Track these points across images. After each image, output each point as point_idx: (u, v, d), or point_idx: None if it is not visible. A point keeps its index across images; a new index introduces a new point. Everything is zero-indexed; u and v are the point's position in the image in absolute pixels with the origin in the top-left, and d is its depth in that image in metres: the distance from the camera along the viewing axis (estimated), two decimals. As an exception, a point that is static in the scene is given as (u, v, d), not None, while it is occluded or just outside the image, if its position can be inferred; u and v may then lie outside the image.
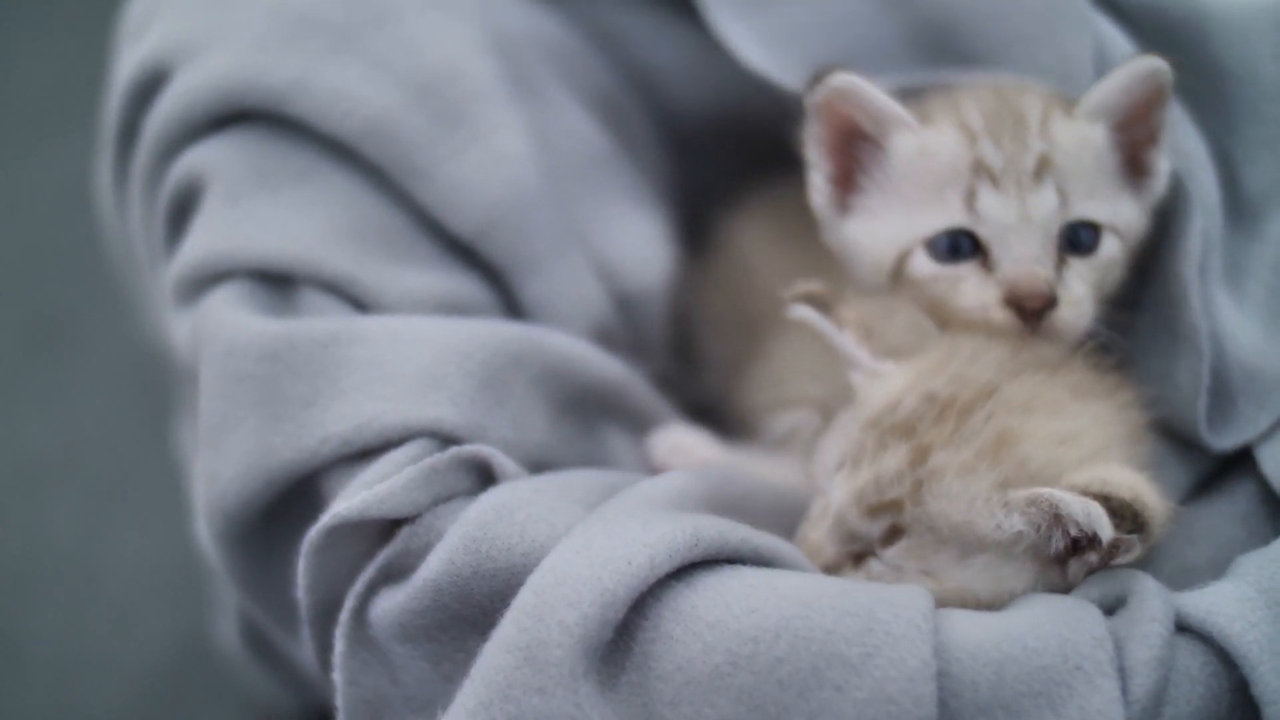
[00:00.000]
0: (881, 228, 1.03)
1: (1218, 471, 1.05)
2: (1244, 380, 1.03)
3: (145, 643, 1.52)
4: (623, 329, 1.17)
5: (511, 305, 1.11)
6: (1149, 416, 0.98)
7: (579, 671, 0.80)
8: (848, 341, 0.98)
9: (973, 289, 1.00)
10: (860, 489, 0.91)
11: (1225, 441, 1.02)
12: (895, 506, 0.90)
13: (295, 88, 1.06)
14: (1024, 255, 0.99)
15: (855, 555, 0.93)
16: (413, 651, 0.90)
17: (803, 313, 1.00)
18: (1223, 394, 1.03)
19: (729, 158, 1.30)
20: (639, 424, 1.11)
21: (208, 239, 1.04)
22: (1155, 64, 1.00)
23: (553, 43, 1.22)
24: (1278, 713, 0.80)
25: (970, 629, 0.81)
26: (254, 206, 1.05)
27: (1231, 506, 1.01)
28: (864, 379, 0.97)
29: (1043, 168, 1.00)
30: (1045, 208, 0.99)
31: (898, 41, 1.19)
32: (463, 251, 1.10)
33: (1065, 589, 0.90)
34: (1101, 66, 1.08)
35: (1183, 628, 0.84)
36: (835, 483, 0.93)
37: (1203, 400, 1.00)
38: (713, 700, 0.79)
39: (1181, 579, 0.96)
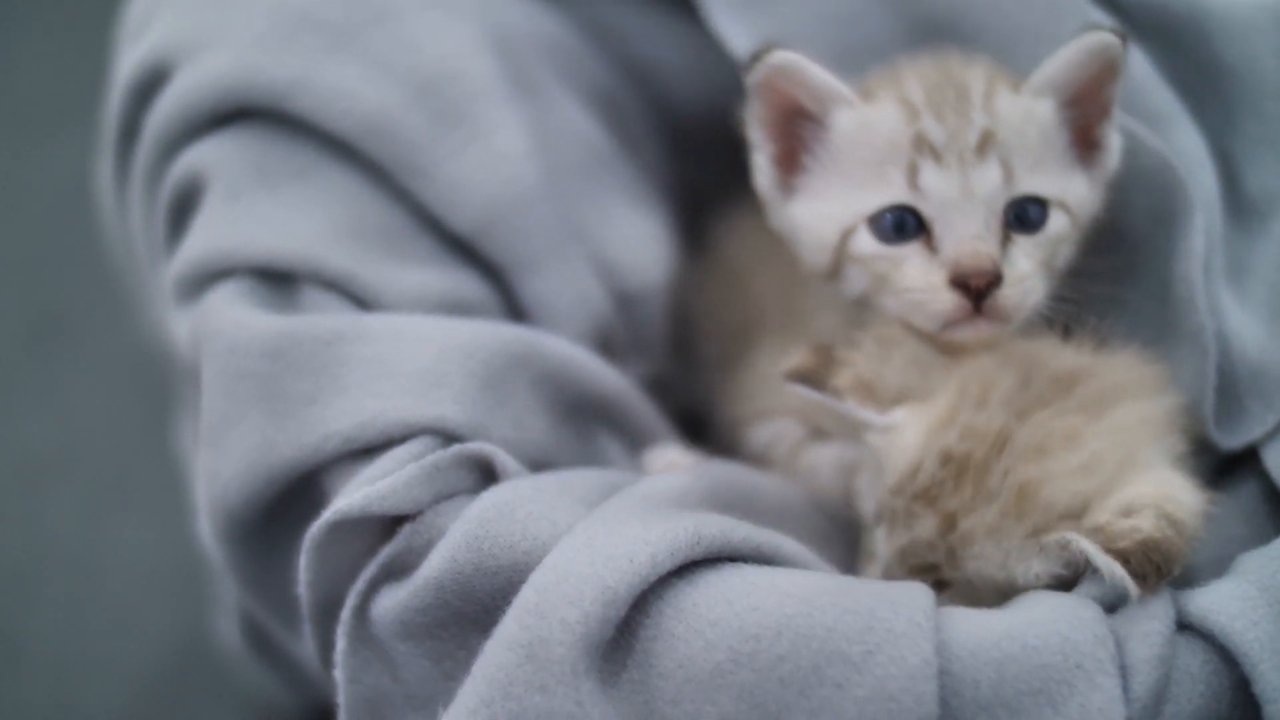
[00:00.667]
0: (824, 207, 1.02)
1: (1221, 470, 1.05)
2: (1250, 379, 1.03)
3: (145, 641, 1.52)
4: (622, 327, 1.17)
5: (511, 303, 1.11)
6: (1174, 396, 0.97)
7: (580, 669, 0.80)
8: (851, 409, 0.97)
9: (916, 270, 0.98)
10: (901, 549, 0.93)
11: (1233, 440, 1.02)
12: (935, 569, 0.91)
13: (295, 86, 1.06)
14: (967, 232, 0.97)
15: None
16: (414, 649, 0.90)
17: (799, 391, 0.99)
18: (1229, 393, 1.03)
19: (729, 157, 1.30)
20: (634, 437, 1.11)
21: (209, 237, 1.04)
22: (1105, 39, 0.99)
23: (552, 41, 1.22)
24: (1279, 711, 0.80)
25: (971, 627, 0.81)
26: (254, 204, 1.05)
27: (1235, 505, 1.01)
28: (877, 438, 0.97)
29: (986, 142, 0.98)
30: (989, 183, 0.97)
31: (898, 39, 1.19)
32: (462, 249, 1.10)
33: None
34: None
35: (1184, 626, 0.84)
36: (879, 535, 0.95)
37: (1210, 400, 1.00)
38: (714, 698, 0.79)
39: (1183, 577, 0.96)
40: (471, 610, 0.88)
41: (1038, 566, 0.89)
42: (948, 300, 0.97)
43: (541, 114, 1.16)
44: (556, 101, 1.19)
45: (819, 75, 1.01)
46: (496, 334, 1.01)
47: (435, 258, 1.09)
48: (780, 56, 1.01)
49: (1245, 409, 1.03)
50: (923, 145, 0.98)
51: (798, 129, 1.04)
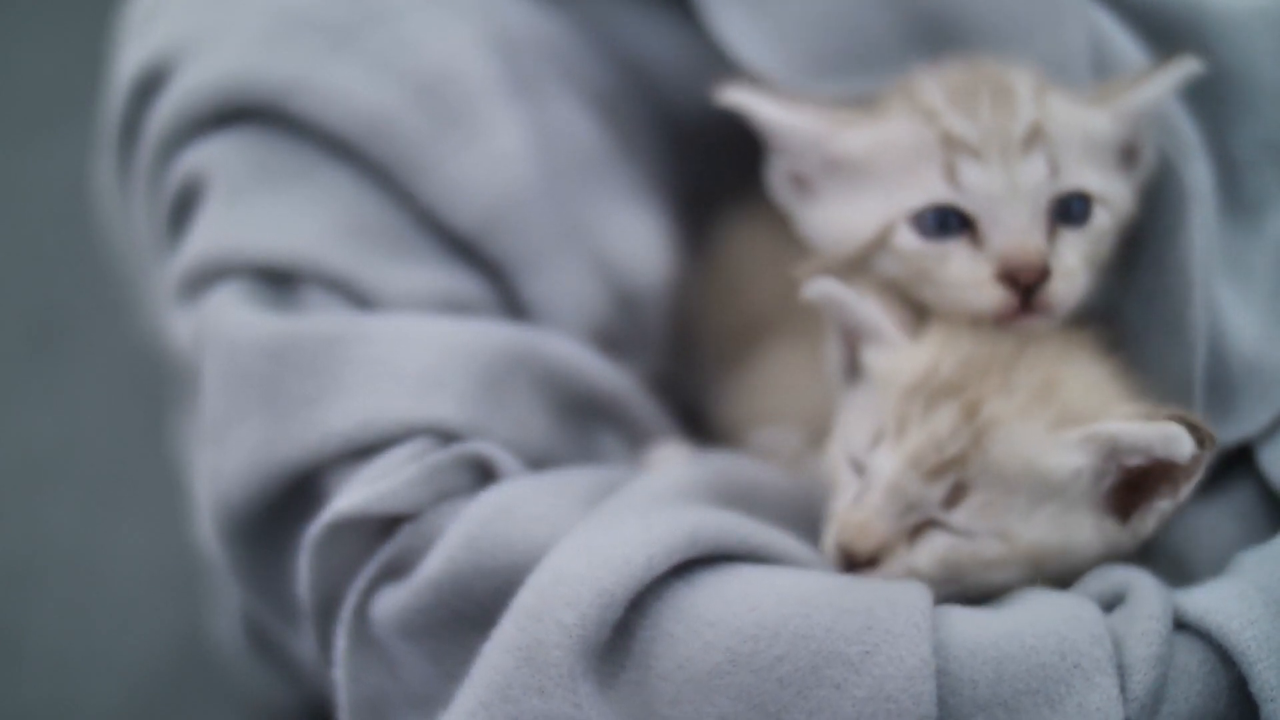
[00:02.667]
0: (852, 212, 1.01)
1: (1217, 468, 1.04)
2: (1245, 375, 1.03)
3: (145, 640, 1.52)
4: (623, 327, 1.17)
5: (512, 303, 1.11)
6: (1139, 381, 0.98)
7: (578, 672, 0.80)
8: (873, 310, 0.96)
9: (962, 265, 0.96)
10: (916, 453, 0.89)
11: (1225, 436, 1.02)
12: (959, 462, 0.88)
13: (296, 85, 1.06)
14: (1015, 227, 0.95)
15: (912, 529, 0.90)
16: (414, 649, 0.90)
17: (824, 285, 0.97)
18: (1223, 388, 1.03)
19: (729, 157, 1.30)
20: (635, 436, 1.10)
21: (209, 237, 1.04)
22: (1191, 71, 1.00)
23: (552, 41, 1.22)
24: (1276, 710, 0.80)
25: (969, 627, 0.82)
26: (255, 204, 1.05)
27: (1230, 504, 1.01)
28: (882, 355, 0.95)
29: (1034, 136, 0.97)
30: (1035, 177, 0.96)
31: (896, 34, 1.19)
32: (463, 249, 1.10)
33: (1131, 547, 0.91)
34: (1098, 58, 1.09)
35: (1181, 625, 0.84)
36: (879, 455, 0.91)
37: (1198, 397, 1.00)
38: (713, 699, 0.80)
39: (1180, 576, 0.97)
40: (471, 610, 0.88)
41: (1063, 454, 0.88)
42: (996, 295, 0.95)
43: (542, 114, 1.17)
44: (557, 101, 1.19)
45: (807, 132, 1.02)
46: (496, 334, 1.02)
47: (436, 258, 1.09)
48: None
49: (1239, 406, 1.03)
50: (954, 143, 0.97)
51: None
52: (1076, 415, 0.90)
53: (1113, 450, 0.89)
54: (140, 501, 1.64)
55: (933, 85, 1.01)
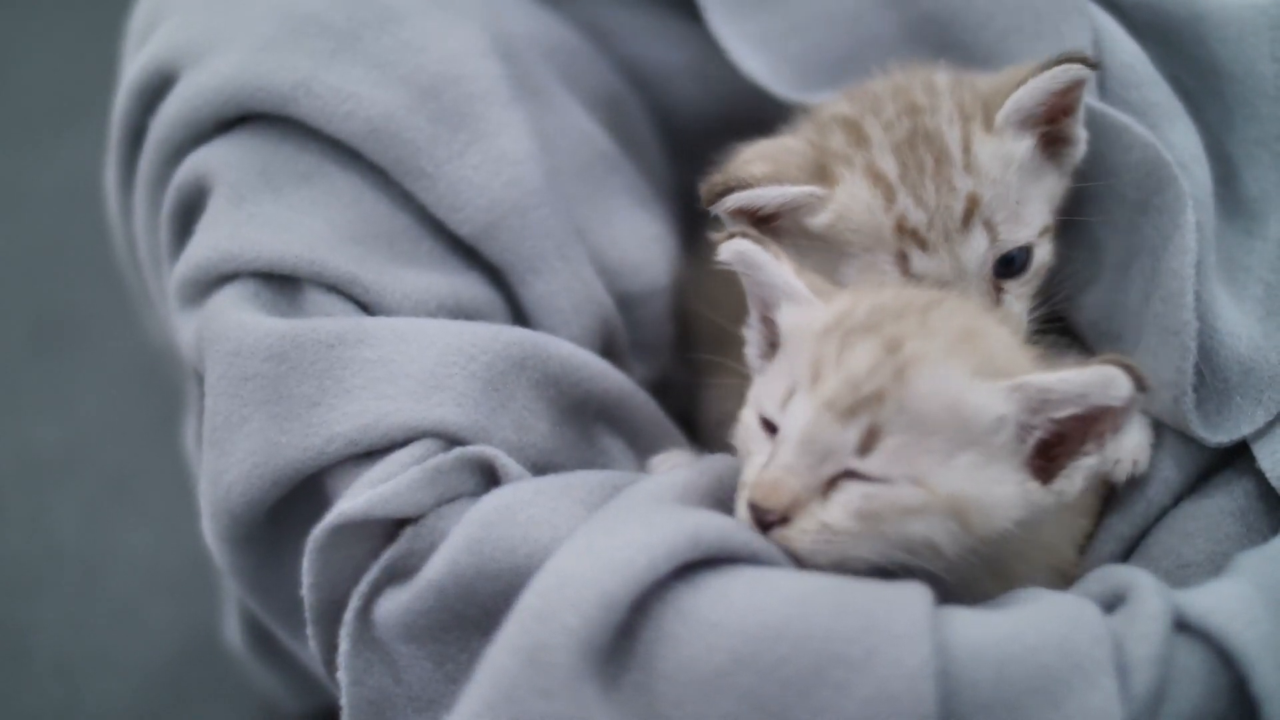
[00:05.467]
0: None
1: (1215, 466, 1.05)
2: (1240, 375, 1.03)
3: (150, 640, 1.52)
4: (625, 328, 1.17)
5: (514, 306, 1.11)
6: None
7: (582, 673, 0.80)
8: (786, 271, 0.95)
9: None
10: (830, 395, 0.87)
11: (1221, 436, 1.02)
12: (876, 399, 0.86)
13: (299, 89, 1.07)
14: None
15: (826, 484, 0.87)
16: (417, 651, 0.90)
17: (739, 245, 0.95)
18: (1219, 389, 1.03)
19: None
20: (639, 438, 1.11)
21: (213, 240, 1.04)
22: (1076, 73, 1.00)
23: (554, 43, 1.22)
24: (1275, 710, 0.81)
25: (970, 627, 0.82)
26: (259, 208, 1.06)
27: (1229, 502, 1.01)
28: (796, 311, 0.94)
29: (971, 209, 1.00)
30: (976, 253, 1.01)
31: (898, 35, 1.20)
32: (466, 252, 1.10)
33: (1054, 510, 0.90)
34: (1100, 56, 1.09)
35: (1182, 626, 0.84)
36: (791, 408, 0.89)
37: (1189, 397, 1.01)
38: (715, 700, 0.80)
39: (1179, 575, 0.97)
40: (473, 613, 0.88)
41: (986, 398, 0.87)
42: None
43: (544, 116, 1.17)
44: (559, 104, 1.20)
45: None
46: (498, 336, 1.02)
47: (438, 260, 1.09)
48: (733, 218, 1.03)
49: (1234, 405, 1.03)
50: (905, 232, 1.01)
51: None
52: (1000, 368, 0.89)
53: (1043, 403, 0.87)
54: (145, 502, 1.65)
55: (883, 143, 1.03)
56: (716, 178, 1.04)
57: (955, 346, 0.88)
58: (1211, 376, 1.02)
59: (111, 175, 1.20)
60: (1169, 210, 1.03)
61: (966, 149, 1.01)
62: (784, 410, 0.89)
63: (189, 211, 1.09)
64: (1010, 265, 1.02)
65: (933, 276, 1.00)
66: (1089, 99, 1.07)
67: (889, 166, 1.02)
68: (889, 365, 0.86)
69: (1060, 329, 1.10)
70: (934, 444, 0.86)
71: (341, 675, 0.93)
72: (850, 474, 0.87)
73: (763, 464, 0.89)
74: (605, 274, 1.16)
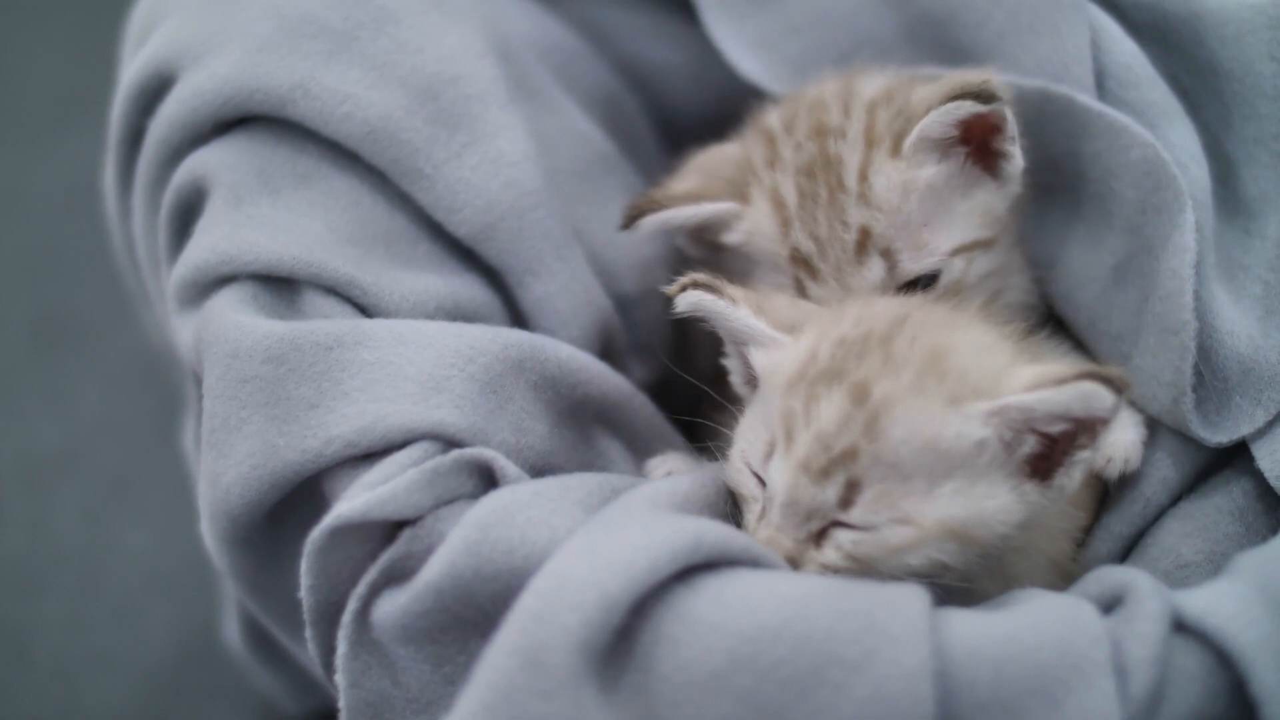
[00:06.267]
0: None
1: (1213, 466, 1.05)
2: (1240, 375, 1.03)
3: (149, 640, 1.52)
4: (623, 330, 1.17)
5: (513, 307, 1.11)
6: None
7: (581, 675, 0.80)
8: (745, 315, 0.95)
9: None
10: (805, 457, 0.88)
11: (1221, 436, 1.02)
12: (850, 455, 0.87)
13: (297, 91, 1.07)
14: None
15: (816, 535, 0.89)
16: (415, 653, 0.90)
17: (693, 298, 0.97)
18: (1219, 389, 1.03)
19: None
20: (637, 440, 1.11)
21: (211, 242, 1.04)
22: (967, 109, 0.99)
23: (552, 44, 1.22)
24: (1274, 711, 0.80)
25: (968, 629, 0.82)
26: (257, 210, 1.05)
27: (1228, 502, 1.01)
28: (764, 355, 0.95)
29: (864, 241, 1.01)
30: (870, 282, 1.01)
31: (896, 35, 1.20)
32: (464, 254, 1.10)
33: (1056, 506, 0.91)
34: (1098, 56, 1.09)
35: (1180, 626, 0.84)
36: (771, 470, 0.91)
37: (1189, 397, 1.01)
38: (714, 701, 0.80)
39: (1177, 575, 0.97)
40: (471, 615, 0.88)
41: (961, 427, 0.87)
42: None
43: (542, 117, 1.17)
44: (556, 104, 1.20)
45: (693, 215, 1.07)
46: (497, 338, 1.02)
47: (436, 262, 1.09)
48: (651, 220, 1.07)
49: (1233, 405, 1.03)
50: (798, 262, 1.03)
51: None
52: (974, 386, 0.88)
53: (1026, 422, 0.87)
54: (145, 502, 1.65)
55: (787, 169, 1.04)
56: (634, 200, 1.08)
57: (923, 379, 0.88)
58: (1211, 376, 1.02)
59: (110, 176, 1.19)
60: (1167, 210, 1.03)
61: (863, 178, 1.02)
62: (766, 466, 0.91)
63: (187, 213, 1.09)
64: (915, 285, 1.03)
65: (827, 303, 1.01)
66: (1088, 100, 1.07)
67: (789, 193, 1.04)
68: (858, 419, 0.87)
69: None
70: (915, 484, 0.88)
71: (339, 677, 0.93)
72: (838, 523, 0.89)
73: (759, 514, 0.92)
74: (603, 275, 1.16)
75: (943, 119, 1.00)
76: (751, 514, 0.93)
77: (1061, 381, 0.86)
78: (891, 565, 0.88)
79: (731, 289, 0.96)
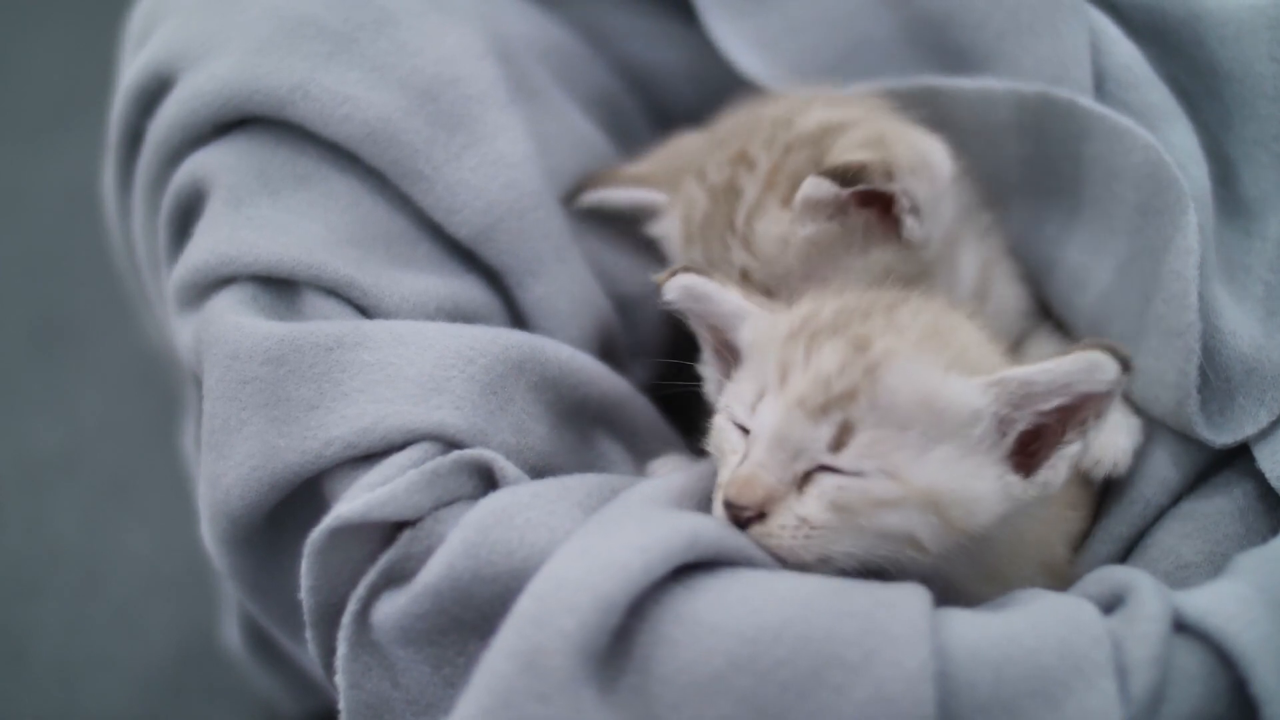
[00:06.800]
0: None
1: (1214, 466, 1.05)
2: (1244, 376, 1.03)
3: (149, 642, 1.53)
4: (623, 331, 1.17)
5: (513, 309, 1.11)
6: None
7: (579, 678, 0.80)
8: (735, 296, 0.95)
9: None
10: (800, 394, 0.87)
11: (1225, 437, 1.02)
12: (848, 396, 0.86)
13: (296, 92, 1.07)
14: None
15: (801, 478, 0.88)
16: (414, 655, 0.90)
17: (683, 280, 0.96)
18: (1223, 390, 1.03)
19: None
20: (637, 441, 1.11)
21: (211, 243, 1.04)
22: (825, 189, 0.98)
23: (551, 44, 1.22)
24: (1275, 712, 0.80)
25: (969, 629, 0.82)
26: (256, 211, 1.05)
27: (1229, 502, 1.01)
28: (758, 322, 0.94)
29: (745, 278, 1.02)
30: None
31: (896, 37, 1.20)
32: (464, 254, 1.10)
33: (1038, 502, 0.90)
34: (1097, 58, 1.09)
35: (1181, 627, 0.84)
36: (761, 410, 0.89)
37: (1194, 399, 1.00)
38: (714, 703, 0.80)
39: (1178, 575, 0.97)
40: (470, 617, 0.88)
41: (961, 390, 0.87)
42: None
43: (541, 118, 1.17)
44: (556, 105, 1.20)
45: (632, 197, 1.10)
46: (497, 339, 1.02)
47: (436, 263, 1.09)
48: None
49: (1237, 405, 1.03)
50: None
51: None
52: (973, 363, 0.88)
53: (1026, 396, 0.87)
54: (145, 504, 1.65)
55: (698, 187, 1.06)
56: (585, 174, 1.10)
57: (925, 342, 0.88)
58: (1215, 377, 1.02)
59: (110, 178, 1.20)
60: (1169, 212, 1.03)
61: (749, 221, 1.03)
62: (754, 412, 0.90)
63: (187, 214, 1.09)
64: None
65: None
66: (1090, 103, 1.06)
67: (698, 210, 1.05)
68: (859, 363, 0.87)
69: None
70: (909, 438, 0.87)
71: (339, 678, 0.93)
72: (824, 468, 0.87)
73: (737, 463, 0.90)
74: (603, 276, 1.16)
75: (817, 190, 0.99)
76: (729, 466, 0.91)
77: (1065, 353, 0.86)
78: (870, 522, 0.86)
79: (720, 278, 0.97)
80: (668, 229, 1.08)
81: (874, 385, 0.86)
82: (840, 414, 0.86)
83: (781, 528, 0.87)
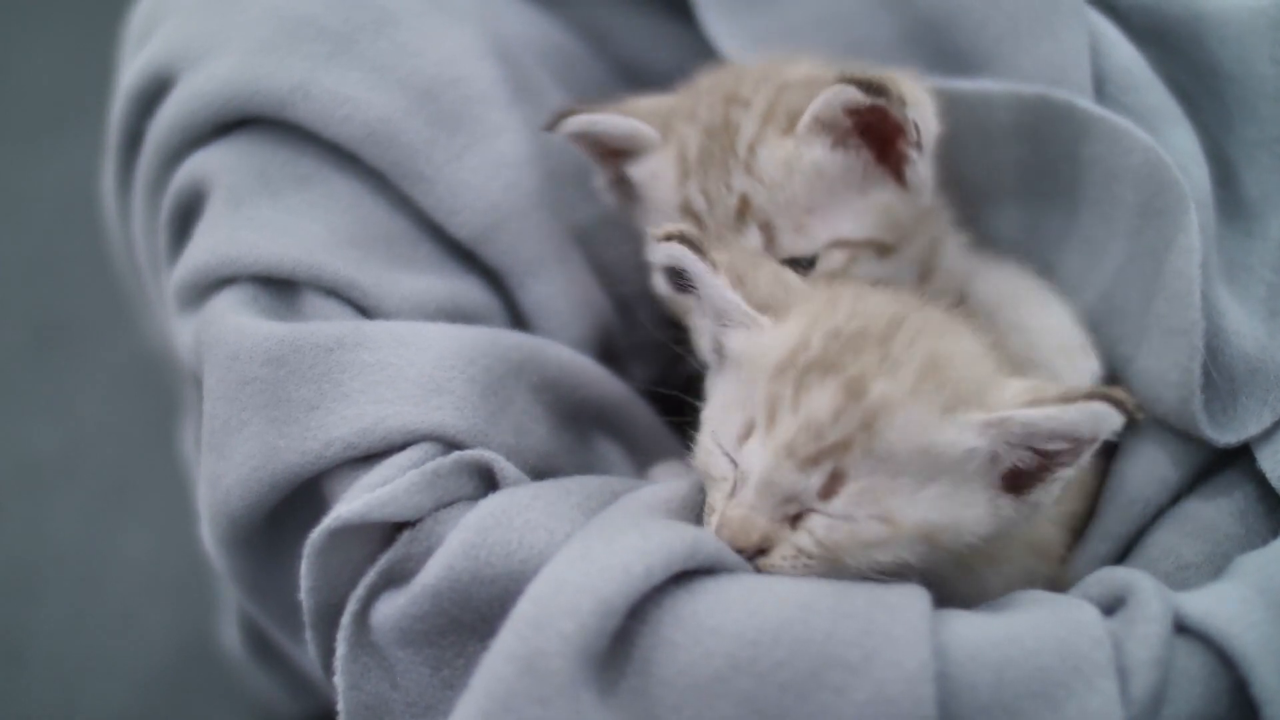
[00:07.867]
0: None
1: (1215, 467, 1.05)
2: (1247, 376, 1.03)
3: (148, 643, 1.53)
4: (623, 332, 1.17)
5: (513, 309, 1.11)
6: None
7: (579, 680, 0.80)
8: (721, 285, 0.92)
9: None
10: (789, 441, 0.86)
11: (1228, 436, 1.02)
12: (842, 448, 0.85)
13: (296, 93, 1.07)
14: None
15: (792, 519, 0.88)
16: (413, 656, 0.90)
17: (672, 250, 0.93)
18: (1226, 389, 1.03)
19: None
20: (636, 444, 1.11)
21: (211, 244, 1.04)
22: (847, 95, 0.98)
23: (552, 46, 1.23)
24: (1276, 713, 0.80)
25: (969, 630, 0.82)
26: (256, 211, 1.06)
27: (1229, 503, 1.01)
28: (743, 336, 0.92)
29: (744, 209, 1.01)
30: (752, 249, 1.01)
31: (895, 38, 1.20)
32: (464, 255, 1.10)
33: (1027, 521, 0.90)
34: (1097, 60, 1.08)
35: (1182, 628, 0.84)
36: (747, 450, 0.88)
37: (1198, 397, 1.00)
38: (714, 704, 0.80)
39: (1178, 576, 0.97)
40: (470, 618, 0.88)
41: (956, 435, 0.86)
42: None
43: (541, 118, 1.17)
44: (556, 106, 1.19)
45: (617, 125, 1.07)
46: (497, 341, 1.02)
47: (437, 264, 1.09)
48: (576, 121, 1.06)
49: (1240, 405, 1.02)
50: (688, 212, 1.03)
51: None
52: (968, 396, 0.87)
53: (1027, 438, 0.86)
54: (144, 505, 1.65)
55: (694, 126, 1.05)
56: (562, 106, 1.08)
57: (922, 383, 0.87)
58: (1218, 376, 1.02)
59: (109, 179, 1.20)
60: (1170, 212, 1.02)
61: (752, 149, 1.02)
62: (741, 448, 0.89)
63: (187, 215, 1.09)
64: (797, 265, 1.01)
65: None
66: (1089, 104, 1.06)
67: (692, 147, 1.04)
68: (855, 413, 0.85)
69: None
70: (901, 483, 0.87)
71: (338, 679, 0.93)
72: (815, 510, 0.87)
73: (728, 492, 0.89)
74: (603, 277, 1.16)
75: (831, 102, 0.99)
76: (719, 492, 0.90)
77: (1069, 400, 0.85)
78: (859, 558, 0.87)
79: (717, 252, 0.93)
80: (657, 168, 1.06)
81: (871, 439, 0.85)
82: (831, 464, 0.86)
83: (783, 558, 0.88)
